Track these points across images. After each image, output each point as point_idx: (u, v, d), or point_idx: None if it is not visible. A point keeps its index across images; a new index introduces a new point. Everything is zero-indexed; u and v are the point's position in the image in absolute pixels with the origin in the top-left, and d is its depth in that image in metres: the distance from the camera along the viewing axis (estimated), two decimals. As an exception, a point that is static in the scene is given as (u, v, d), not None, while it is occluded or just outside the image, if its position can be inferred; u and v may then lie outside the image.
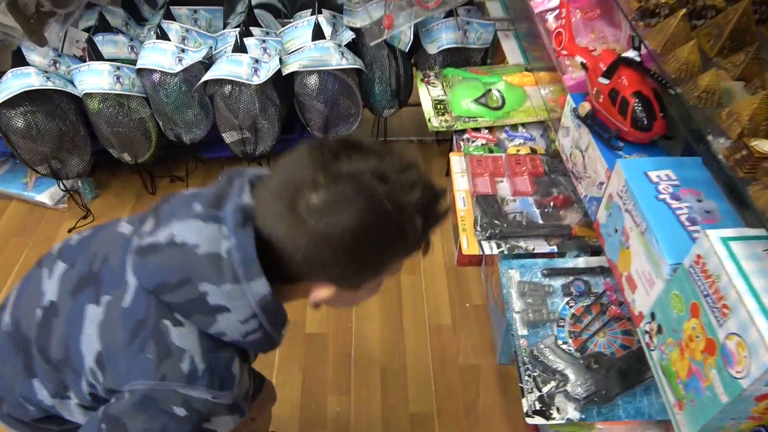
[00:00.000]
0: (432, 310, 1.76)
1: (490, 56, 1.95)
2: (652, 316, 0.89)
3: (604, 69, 1.07)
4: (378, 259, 0.69)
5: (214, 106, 1.73)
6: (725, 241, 0.73)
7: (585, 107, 1.14)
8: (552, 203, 1.39)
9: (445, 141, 2.33)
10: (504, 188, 1.45)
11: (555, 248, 1.31)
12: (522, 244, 1.32)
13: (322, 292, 0.70)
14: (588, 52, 1.23)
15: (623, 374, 1.12)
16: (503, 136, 1.62)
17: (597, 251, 1.32)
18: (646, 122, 1.03)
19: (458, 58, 1.89)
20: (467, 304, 1.77)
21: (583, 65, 1.18)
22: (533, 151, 1.57)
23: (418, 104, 1.82)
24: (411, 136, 2.37)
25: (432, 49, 1.84)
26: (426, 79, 1.80)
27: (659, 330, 0.87)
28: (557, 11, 1.57)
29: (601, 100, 1.10)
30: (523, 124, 1.64)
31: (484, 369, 1.61)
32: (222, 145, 1.84)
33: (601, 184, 1.09)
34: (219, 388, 0.68)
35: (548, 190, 1.43)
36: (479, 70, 1.82)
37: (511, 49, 1.93)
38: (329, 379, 1.59)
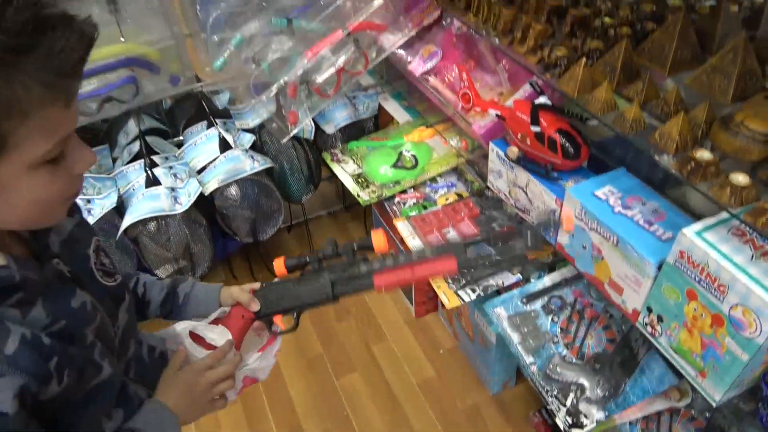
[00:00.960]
0: (413, 368, 1.82)
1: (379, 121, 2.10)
2: (649, 309, 1.04)
3: (526, 117, 1.24)
4: None
5: (140, 246, 1.66)
6: (699, 234, 0.90)
7: (514, 151, 1.30)
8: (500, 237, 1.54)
9: (352, 206, 2.43)
10: (454, 236, 1.57)
11: (520, 276, 1.45)
12: (492, 282, 1.44)
13: None
14: (496, 104, 1.41)
15: (622, 364, 1.27)
16: (428, 190, 1.76)
17: (552, 267, 1.49)
18: (573, 152, 1.21)
19: (353, 130, 2.01)
20: (441, 351, 1.86)
21: (499, 116, 1.34)
22: (459, 196, 1.72)
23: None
24: (320, 211, 2.44)
25: (330, 129, 1.95)
26: (334, 158, 1.89)
27: (660, 319, 1.03)
28: (433, 70, 1.77)
29: (528, 142, 1.26)
30: (440, 175, 1.79)
31: (482, 404, 1.69)
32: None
33: (554, 212, 1.25)
34: None
35: (490, 226, 1.58)
36: (379, 137, 1.95)
37: (394, 109, 2.09)
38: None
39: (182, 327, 0.92)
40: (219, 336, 0.88)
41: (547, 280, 1.43)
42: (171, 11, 1.65)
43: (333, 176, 2.26)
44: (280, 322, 0.96)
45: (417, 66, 1.78)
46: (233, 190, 1.74)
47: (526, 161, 1.29)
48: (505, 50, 1.33)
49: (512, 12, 1.31)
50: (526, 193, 1.32)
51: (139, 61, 1.57)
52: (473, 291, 1.43)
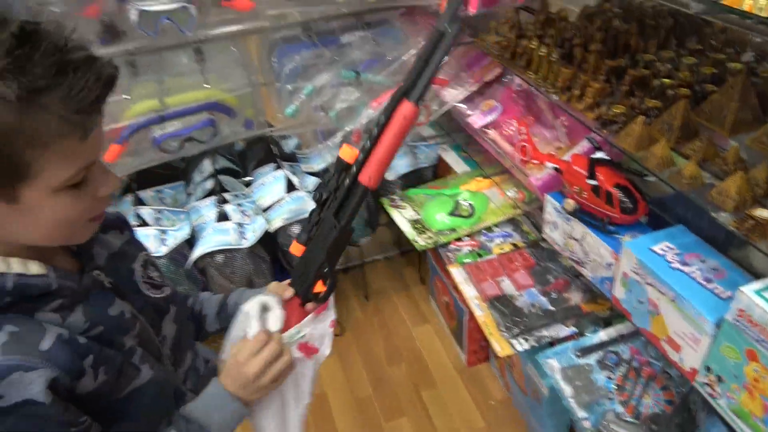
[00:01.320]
0: (463, 419, 1.80)
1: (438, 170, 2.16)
2: (708, 369, 1.02)
3: (584, 171, 1.26)
4: None
5: (207, 276, 1.76)
6: (759, 293, 0.89)
7: (570, 204, 1.33)
8: (555, 289, 1.54)
9: (408, 252, 2.48)
10: (508, 286, 1.58)
11: (574, 329, 1.44)
12: (545, 333, 1.44)
13: None
14: (554, 158, 1.44)
15: (681, 427, 1.23)
16: (483, 239, 1.79)
17: (608, 322, 1.47)
18: (631, 207, 1.22)
19: (413, 178, 2.08)
20: (492, 402, 1.84)
21: (557, 170, 1.37)
22: (515, 246, 1.73)
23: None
24: (376, 255, 2.49)
25: (390, 176, 2.02)
26: (393, 204, 1.95)
27: (720, 379, 1.00)
28: (493, 123, 1.83)
29: (585, 195, 1.28)
30: (496, 224, 1.82)
31: (531, 460, 1.66)
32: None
33: (609, 265, 1.25)
34: None
35: (545, 277, 1.59)
36: (437, 185, 2.01)
37: (453, 160, 2.15)
38: None
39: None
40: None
41: (603, 335, 1.42)
42: (249, 62, 1.80)
43: (391, 222, 2.33)
44: (321, 288, 0.90)
45: (477, 119, 1.84)
46: (296, 229, 1.82)
47: (582, 214, 1.31)
48: (564, 106, 1.38)
49: (571, 71, 1.36)
50: (582, 246, 1.33)
51: (218, 105, 1.71)
52: (526, 341, 1.43)
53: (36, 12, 1.37)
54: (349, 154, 0.82)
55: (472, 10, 1.62)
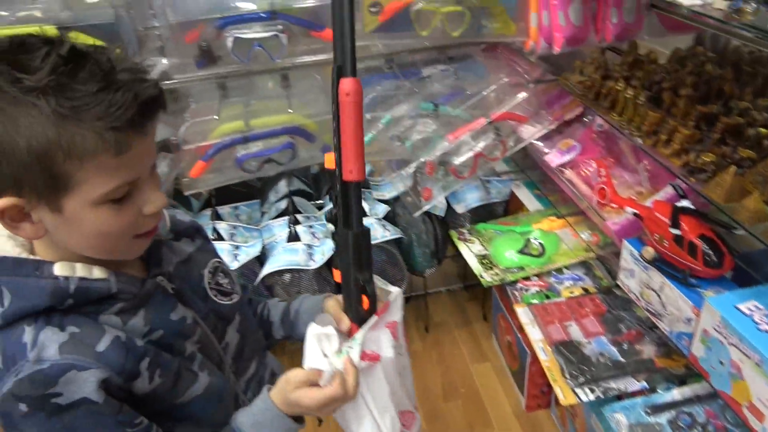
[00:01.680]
0: (518, 464, 1.74)
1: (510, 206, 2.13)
2: (795, 444, 0.94)
3: (666, 219, 1.21)
4: (1, 163, 0.61)
5: (273, 293, 1.80)
6: None
7: (650, 252, 1.27)
8: (627, 340, 1.47)
9: (472, 287, 2.44)
10: (575, 331, 1.53)
11: (645, 384, 1.37)
12: (613, 385, 1.37)
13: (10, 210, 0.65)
14: (634, 203, 1.39)
15: (760, 503, 1.13)
16: (552, 280, 1.74)
17: (683, 380, 1.39)
18: (716, 260, 1.16)
19: (483, 212, 2.06)
20: (549, 451, 1.77)
21: (636, 215, 1.32)
22: (585, 290, 1.67)
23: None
24: (440, 287, 2.47)
25: (460, 208, 2.01)
26: (461, 237, 1.94)
27: (809, 457, 0.92)
28: (570, 163, 1.79)
29: (666, 244, 1.23)
30: (567, 267, 1.76)
31: None
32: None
33: (689, 320, 1.18)
34: None
35: (616, 326, 1.52)
36: (508, 222, 1.98)
37: (526, 197, 2.11)
38: None
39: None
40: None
41: (677, 394, 1.34)
42: (331, 90, 1.85)
43: (457, 255, 2.31)
44: (365, 304, 0.86)
45: (554, 158, 1.81)
46: (363, 255, 1.84)
47: (662, 264, 1.25)
48: (649, 151, 1.33)
49: (659, 115, 1.32)
50: (659, 297, 1.27)
51: (299, 130, 1.77)
52: (592, 391, 1.36)
53: (142, 36, 1.47)
54: (330, 159, 0.79)
55: (557, 48, 1.61)
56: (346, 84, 0.75)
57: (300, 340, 0.88)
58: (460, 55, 1.87)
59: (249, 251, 1.81)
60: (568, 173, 1.76)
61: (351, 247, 0.80)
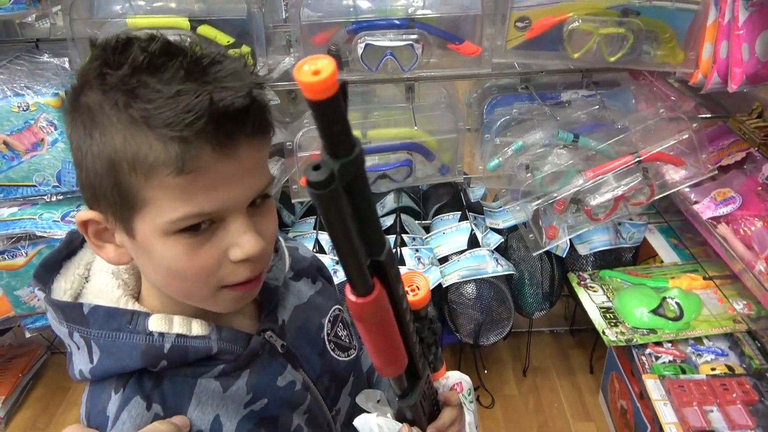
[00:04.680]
0: None
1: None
2: None
3: None
4: (82, 169, 0.54)
5: (370, 317, 1.69)
6: None
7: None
8: (786, 444, 1.23)
9: (580, 332, 2.22)
10: (717, 420, 1.30)
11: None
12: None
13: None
14: (823, 284, 1.15)
15: None
16: (689, 350, 1.50)
17: None
18: None
19: (609, 257, 1.84)
20: None
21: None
22: (730, 370, 1.43)
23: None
24: (543, 327, 2.27)
25: (583, 250, 1.80)
26: (582, 282, 1.74)
27: None
28: (726, 217, 1.54)
29: None
30: (708, 337, 1.52)
31: None
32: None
33: None
34: None
35: (771, 423, 1.27)
36: (638, 272, 1.75)
37: (660, 245, 1.87)
38: None
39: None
40: None
41: None
42: (457, 106, 1.71)
43: (566, 296, 2.10)
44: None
45: (705, 208, 1.57)
46: (470, 288, 1.69)
47: None
48: None
49: None
50: None
51: (418, 146, 1.64)
52: (738, 502, 1.14)
53: (270, 34, 1.38)
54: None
55: (734, 86, 1.37)
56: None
57: None
58: (606, 80, 1.67)
59: (350, 268, 1.70)
60: (722, 228, 1.52)
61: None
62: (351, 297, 0.46)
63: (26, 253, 1.59)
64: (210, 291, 0.58)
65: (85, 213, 0.56)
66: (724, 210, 1.53)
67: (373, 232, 0.44)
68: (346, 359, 0.76)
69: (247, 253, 0.55)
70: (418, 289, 0.58)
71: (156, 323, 0.59)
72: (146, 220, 0.53)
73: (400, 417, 0.64)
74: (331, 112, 0.38)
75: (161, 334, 0.58)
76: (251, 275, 0.58)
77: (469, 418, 0.74)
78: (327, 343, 0.74)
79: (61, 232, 1.54)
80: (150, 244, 0.54)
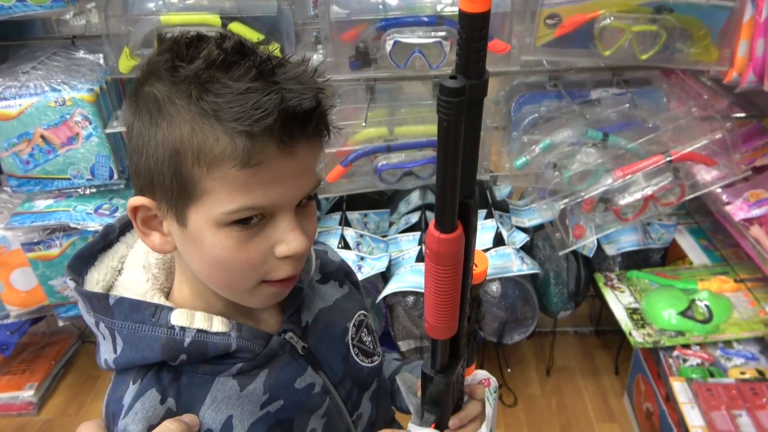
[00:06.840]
0: None
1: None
2: None
3: None
4: (143, 155, 0.55)
5: (393, 314, 1.70)
6: None
7: None
8: (819, 452, 1.20)
9: (605, 333, 2.19)
10: (746, 425, 1.27)
11: None
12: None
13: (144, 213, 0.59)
14: None
15: None
16: (718, 353, 1.48)
17: None
18: None
19: (636, 258, 1.82)
20: None
21: None
22: (761, 374, 1.40)
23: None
24: (567, 327, 2.25)
25: (610, 250, 1.78)
26: (609, 283, 1.72)
27: None
28: (759, 219, 1.51)
29: None
30: (738, 340, 1.49)
31: None
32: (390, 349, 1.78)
33: None
34: None
35: (803, 430, 1.25)
36: (667, 274, 1.73)
37: (689, 246, 1.84)
38: None
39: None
40: None
41: None
42: (486, 105, 1.70)
43: (591, 296, 2.08)
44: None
45: (738, 209, 1.54)
46: (494, 287, 1.69)
47: None
48: None
49: None
50: None
51: (444, 144, 1.64)
52: None
53: (299, 31, 1.39)
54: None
55: (773, 84, 1.34)
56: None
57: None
58: (637, 78, 1.64)
59: (375, 264, 1.71)
60: (755, 230, 1.49)
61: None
62: (434, 232, 0.48)
63: (60, 244, 1.64)
64: (251, 285, 0.59)
65: (137, 199, 0.57)
66: (757, 212, 1.50)
67: (472, 172, 0.47)
68: (369, 365, 0.76)
69: (293, 250, 0.57)
70: (476, 266, 0.59)
71: (178, 317, 0.60)
72: (201, 210, 0.55)
73: (431, 399, 0.65)
74: (479, 27, 0.40)
75: (182, 329, 0.59)
76: (292, 273, 0.60)
77: (489, 412, 0.75)
78: (351, 347, 0.74)
79: (93, 224, 1.58)
80: (201, 234, 0.56)
